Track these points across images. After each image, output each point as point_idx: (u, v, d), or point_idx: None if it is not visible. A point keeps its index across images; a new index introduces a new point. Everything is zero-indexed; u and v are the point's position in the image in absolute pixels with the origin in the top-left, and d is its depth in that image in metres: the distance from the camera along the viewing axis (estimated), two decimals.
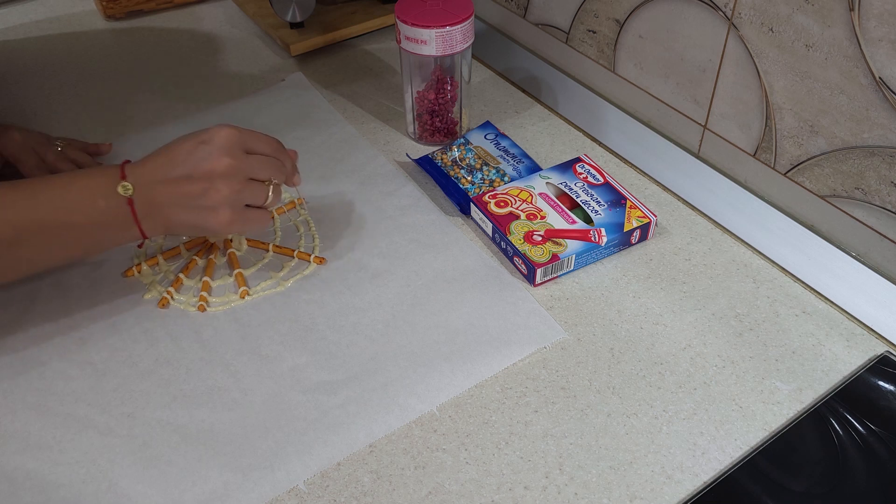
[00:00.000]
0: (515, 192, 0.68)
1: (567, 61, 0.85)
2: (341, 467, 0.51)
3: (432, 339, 0.59)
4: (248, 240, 0.67)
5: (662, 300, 0.62)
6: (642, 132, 0.78)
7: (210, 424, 0.53)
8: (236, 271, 0.64)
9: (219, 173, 0.55)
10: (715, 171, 0.72)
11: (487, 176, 0.72)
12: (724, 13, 0.65)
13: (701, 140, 0.73)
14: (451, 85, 0.74)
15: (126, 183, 0.54)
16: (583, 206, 0.67)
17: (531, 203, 0.67)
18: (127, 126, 0.82)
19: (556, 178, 0.69)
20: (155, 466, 0.51)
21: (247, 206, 0.57)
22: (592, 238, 0.64)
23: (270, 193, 0.58)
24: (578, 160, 0.71)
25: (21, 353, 0.58)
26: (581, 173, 0.70)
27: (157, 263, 0.65)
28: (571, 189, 0.68)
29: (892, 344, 0.58)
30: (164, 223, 0.56)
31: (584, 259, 0.64)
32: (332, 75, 0.89)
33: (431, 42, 0.69)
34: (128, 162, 0.56)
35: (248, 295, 0.63)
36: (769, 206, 0.68)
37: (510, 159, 0.74)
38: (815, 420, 0.53)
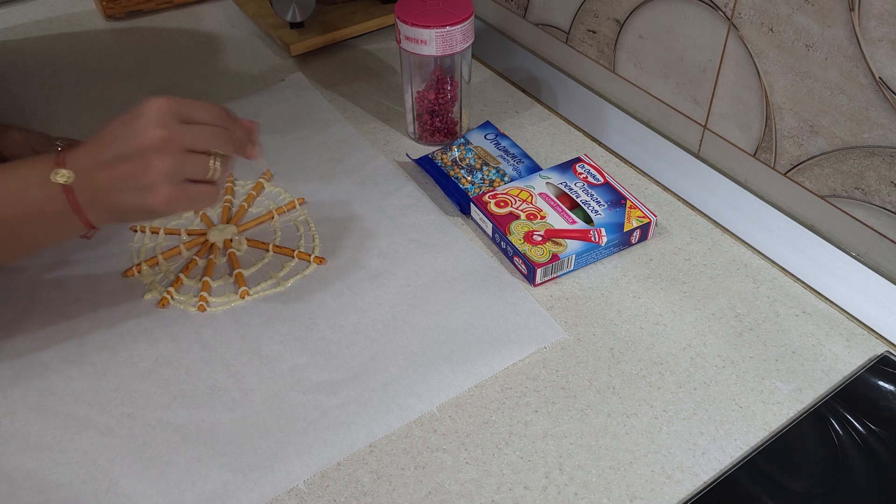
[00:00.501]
0: (515, 192, 0.68)
1: (567, 61, 0.85)
2: (341, 467, 0.51)
3: (432, 339, 0.59)
4: (248, 240, 0.67)
5: (662, 300, 0.62)
6: (642, 132, 0.78)
7: (210, 424, 0.53)
8: (236, 271, 0.64)
9: (152, 147, 0.50)
10: (715, 171, 0.72)
11: (487, 176, 0.72)
12: (724, 13, 0.65)
13: (701, 140, 0.73)
14: (451, 85, 0.74)
15: (62, 170, 0.50)
16: (583, 206, 0.67)
17: (531, 203, 0.67)
18: None
19: (556, 178, 0.69)
20: (155, 466, 0.51)
21: (192, 181, 0.52)
22: (592, 238, 0.64)
23: (216, 164, 0.53)
24: (578, 160, 0.71)
25: (21, 353, 0.58)
26: (581, 173, 0.70)
27: (157, 263, 0.65)
28: (571, 189, 0.68)
29: (892, 344, 0.58)
30: (109, 209, 0.52)
31: (584, 259, 0.64)
32: (332, 75, 0.89)
33: (431, 42, 0.69)
34: (69, 149, 0.52)
35: (248, 295, 0.63)
36: (769, 206, 0.68)
37: (510, 159, 0.74)
38: (815, 420, 0.53)
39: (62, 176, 0.50)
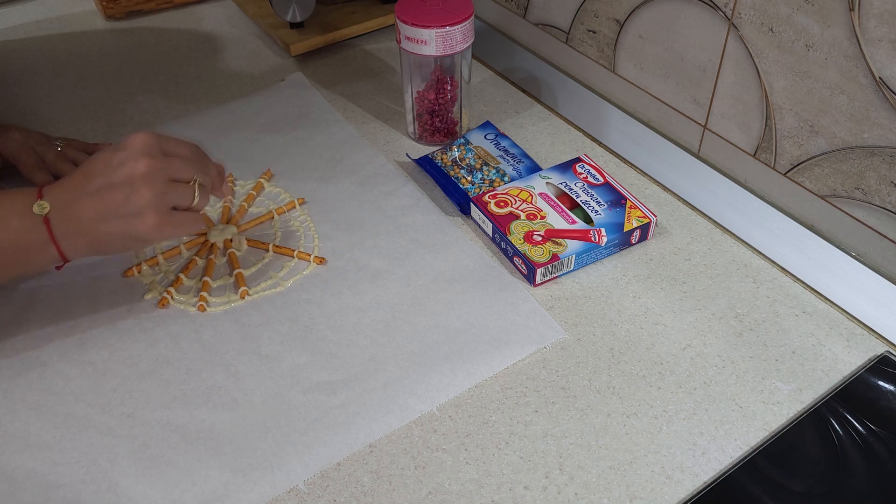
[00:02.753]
0: (515, 192, 0.68)
1: (567, 61, 0.85)
2: (341, 467, 0.51)
3: (432, 339, 0.59)
4: (248, 240, 0.67)
5: (662, 300, 0.62)
6: (642, 132, 0.78)
7: (210, 424, 0.53)
8: (236, 271, 0.64)
9: (139, 176, 0.53)
10: (715, 171, 0.72)
11: (487, 176, 0.72)
12: (724, 13, 0.65)
13: (701, 140, 0.73)
14: (451, 85, 0.74)
15: (42, 202, 0.52)
16: (583, 206, 0.67)
17: (531, 203, 0.67)
18: (127, 126, 0.82)
19: (556, 178, 0.69)
20: (155, 466, 0.51)
21: (175, 209, 0.55)
22: (592, 238, 0.64)
23: (196, 194, 0.56)
24: (578, 160, 0.71)
25: (21, 353, 0.58)
26: (581, 173, 0.70)
27: (157, 263, 0.65)
28: (571, 189, 0.68)
29: (892, 344, 0.58)
30: (91, 239, 0.54)
31: (584, 259, 0.64)
32: (332, 75, 0.89)
33: (431, 42, 0.69)
34: (50, 185, 0.54)
35: (248, 295, 0.63)
36: (769, 206, 0.68)
37: (510, 159, 0.74)
38: (815, 420, 0.53)
39: (40, 207, 0.52)
